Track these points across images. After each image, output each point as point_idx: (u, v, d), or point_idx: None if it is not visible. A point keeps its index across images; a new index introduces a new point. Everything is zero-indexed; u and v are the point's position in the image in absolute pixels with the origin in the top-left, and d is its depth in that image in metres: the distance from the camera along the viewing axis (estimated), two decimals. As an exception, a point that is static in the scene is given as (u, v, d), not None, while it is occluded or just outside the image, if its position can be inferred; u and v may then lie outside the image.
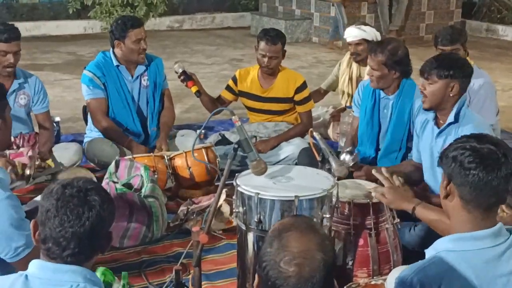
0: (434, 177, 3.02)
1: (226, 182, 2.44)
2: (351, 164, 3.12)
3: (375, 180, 2.71)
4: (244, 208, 2.34)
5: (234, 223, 3.25)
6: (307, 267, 1.43)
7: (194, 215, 3.34)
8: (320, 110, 4.85)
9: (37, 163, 3.29)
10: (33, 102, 3.84)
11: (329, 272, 1.47)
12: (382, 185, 2.61)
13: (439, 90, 2.89)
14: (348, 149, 3.19)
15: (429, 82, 2.91)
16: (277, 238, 1.48)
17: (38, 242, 1.65)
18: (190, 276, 2.64)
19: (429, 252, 1.77)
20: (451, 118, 2.91)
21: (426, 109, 3.00)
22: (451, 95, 2.89)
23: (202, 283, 2.49)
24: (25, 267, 1.67)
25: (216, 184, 3.72)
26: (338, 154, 3.27)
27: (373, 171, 2.70)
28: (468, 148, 1.71)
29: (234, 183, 2.39)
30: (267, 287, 1.47)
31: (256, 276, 1.52)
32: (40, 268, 1.61)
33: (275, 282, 1.43)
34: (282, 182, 2.39)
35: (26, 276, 1.60)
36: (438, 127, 2.99)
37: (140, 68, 4.03)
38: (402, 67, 3.48)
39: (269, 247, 1.47)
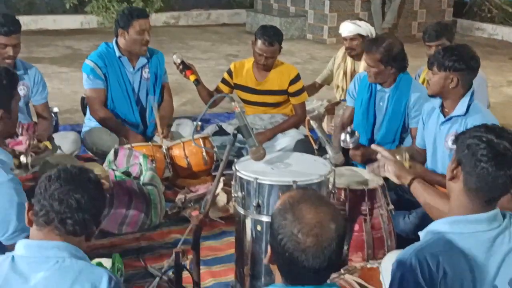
0: (435, 162, 3.05)
1: (224, 172, 2.46)
2: (350, 146, 3.12)
3: (370, 161, 2.73)
4: (243, 193, 2.35)
5: (231, 211, 3.29)
6: (324, 237, 1.46)
7: (192, 203, 3.37)
8: (315, 104, 4.87)
9: (33, 142, 3.27)
10: (32, 93, 3.82)
11: (342, 240, 1.50)
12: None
13: (438, 81, 2.90)
14: (348, 130, 3.19)
15: (432, 72, 2.93)
16: (290, 210, 1.49)
17: (31, 222, 1.68)
18: (188, 261, 2.66)
19: (424, 234, 1.80)
20: (461, 110, 2.91)
21: (430, 96, 3.03)
22: (450, 87, 2.89)
23: (200, 267, 2.51)
24: None
25: (213, 174, 3.74)
26: None
27: (373, 146, 2.71)
28: (485, 140, 1.71)
29: (233, 168, 2.41)
30: (284, 259, 1.48)
31: (269, 249, 1.53)
32: (26, 247, 1.63)
33: (292, 253, 1.45)
34: (280, 167, 2.40)
35: (13, 257, 1.62)
36: (444, 116, 3.00)
37: (142, 61, 4.03)
38: (398, 62, 3.50)
39: (283, 220, 1.48)
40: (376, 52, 3.44)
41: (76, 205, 1.62)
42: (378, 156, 2.60)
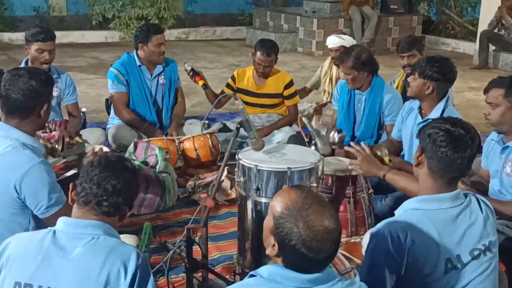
0: (411, 156, 3.03)
1: (228, 162, 2.43)
2: (336, 141, 3.11)
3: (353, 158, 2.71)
4: (245, 178, 2.33)
5: (233, 196, 3.28)
6: (333, 238, 1.44)
7: (200, 189, 3.35)
8: (305, 105, 4.84)
9: (66, 140, 3.25)
10: (64, 94, 3.81)
11: (341, 232, 1.50)
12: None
13: (416, 87, 2.87)
14: (337, 128, 3.19)
15: (413, 77, 2.89)
16: (300, 218, 1.43)
17: (73, 201, 1.67)
18: (197, 237, 2.63)
19: (398, 212, 1.80)
20: (435, 114, 2.85)
21: (409, 97, 3.00)
22: (426, 93, 2.85)
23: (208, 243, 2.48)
24: (52, 223, 1.67)
25: (218, 163, 3.73)
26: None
27: (346, 147, 2.69)
28: (443, 129, 1.73)
29: (236, 157, 2.38)
30: (296, 258, 1.43)
31: (276, 246, 1.45)
32: (65, 224, 1.61)
33: (306, 255, 1.42)
34: (277, 156, 2.38)
35: (54, 231, 1.60)
36: (422, 117, 2.97)
37: (158, 69, 4.01)
38: (369, 66, 3.47)
39: (295, 228, 1.42)
40: (347, 61, 3.42)
41: (111, 190, 1.60)
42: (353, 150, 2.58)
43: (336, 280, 1.46)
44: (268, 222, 1.50)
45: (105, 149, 3.03)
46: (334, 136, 3.16)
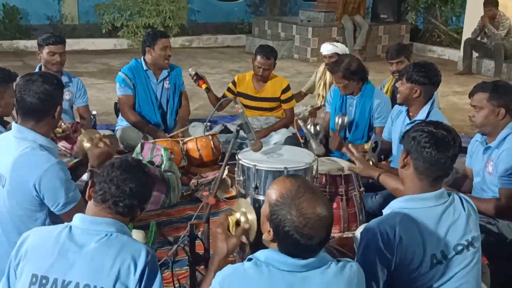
0: (399, 154, 3.02)
1: (228, 162, 2.42)
2: (339, 122, 3.11)
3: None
4: (244, 177, 2.33)
5: (233, 193, 3.26)
6: (324, 225, 1.43)
7: (203, 186, 3.34)
8: (301, 108, 4.84)
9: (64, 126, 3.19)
10: (75, 97, 3.81)
11: (333, 219, 1.48)
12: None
13: (405, 91, 2.87)
14: (341, 113, 3.17)
15: (401, 82, 2.90)
16: (293, 205, 1.42)
17: (91, 197, 1.66)
18: (199, 233, 2.62)
19: (386, 210, 1.79)
20: (422, 116, 2.87)
21: (399, 104, 3.00)
22: (414, 97, 2.86)
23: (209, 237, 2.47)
24: (69, 219, 1.66)
25: (219, 163, 3.72)
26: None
27: (344, 150, 2.68)
28: (426, 131, 1.73)
29: (236, 158, 2.38)
30: (288, 243, 1.43)
31: (271, 231, 1.46)
32: (81, 220, 1.61)
33: (299, 241, 1.41)
34: (274, 157, 2.37)
35: (70, 227, 1.60)
36: (410, 119, 2.97)
37: (164, 73, 3.99)
38: (358, 75, 3.47)
39: (288, 215, 1.42)
40: (338, 71, 3.43)
41: (129, 192, 1.59)
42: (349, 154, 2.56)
43: (329, 263, 1.46)
44: (264, 209, 1.51)
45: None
46: (339, 121, 3.17)
